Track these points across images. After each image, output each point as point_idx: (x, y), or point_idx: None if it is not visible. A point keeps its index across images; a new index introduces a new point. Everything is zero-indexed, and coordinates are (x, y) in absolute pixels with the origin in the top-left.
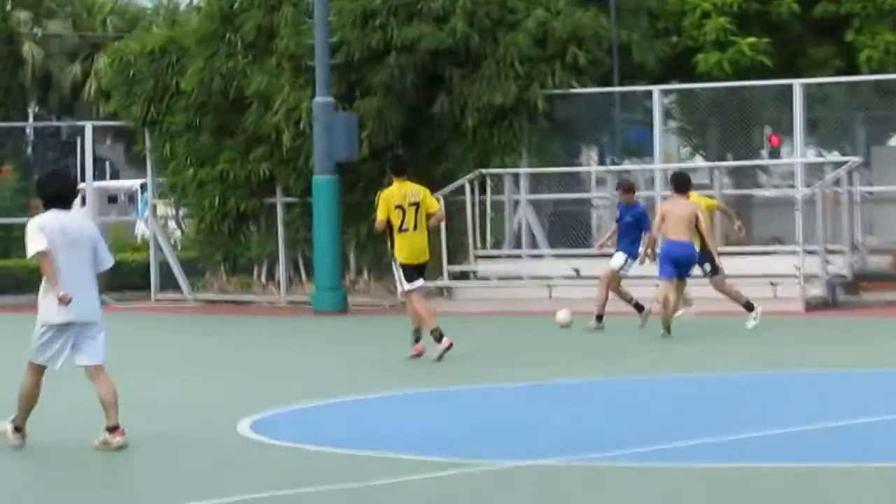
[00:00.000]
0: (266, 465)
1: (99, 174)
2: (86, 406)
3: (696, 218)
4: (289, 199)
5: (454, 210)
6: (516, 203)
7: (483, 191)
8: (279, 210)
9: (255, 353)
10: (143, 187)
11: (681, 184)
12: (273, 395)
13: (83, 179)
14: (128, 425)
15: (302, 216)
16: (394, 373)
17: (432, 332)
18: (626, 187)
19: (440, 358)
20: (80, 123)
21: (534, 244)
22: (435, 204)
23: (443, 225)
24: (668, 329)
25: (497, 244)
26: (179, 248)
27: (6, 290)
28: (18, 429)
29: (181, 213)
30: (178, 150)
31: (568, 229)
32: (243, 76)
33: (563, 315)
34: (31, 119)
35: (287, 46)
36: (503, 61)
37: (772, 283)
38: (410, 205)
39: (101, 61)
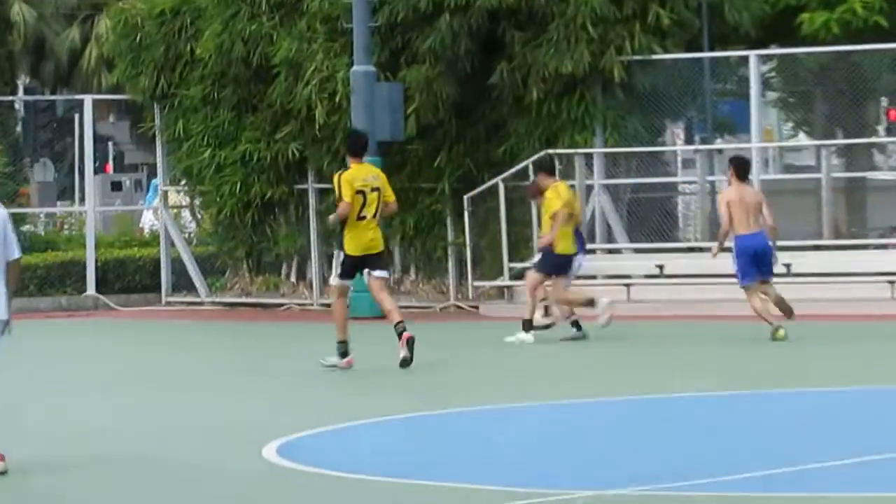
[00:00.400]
0: (295, 495)
1: (100, 156)
2: (100, 427)
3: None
4: (322, 185)
5: (516, 197)
6: (589, 189)
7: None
8: (311, 197)
9: (283, 364)
10: (153, 171)
11: (743, 168)
12: (303, 414)
13: (82, 161)
14: (135, 449)
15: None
16: (437, 388)
17: (339, 343)
18: (534, 191)
19: (328, 365)
20: (79, 97)
21: (610, 237)
22: (392, 193)
23: (502, 216)
24: (776, 333)
25: None
26: (194, 242)
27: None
28: None
29: (196, 201)
30: (194, 128)
31: (649, 219)
32: (269, 41)
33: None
34: (20, 92)
35: (320, 6)
36: (573, 23)
37: (889, 282)
38: (372, 190)
39: (103, 24)
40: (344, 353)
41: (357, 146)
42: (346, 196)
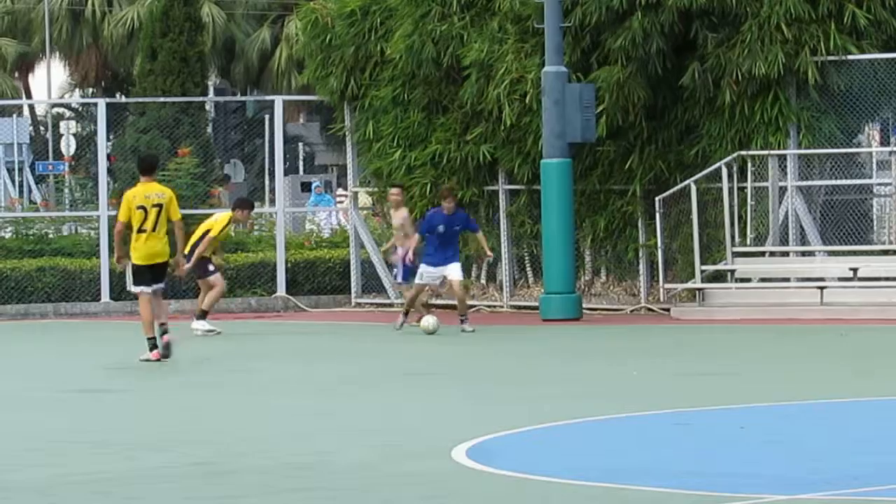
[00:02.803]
0: (486, 498)
1: (290, 157)
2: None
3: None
4: (513, 187)
5: (709, 199)
6: (783, 190)
7: (743, 176)
8: (501, 199)
9: (472, 366)
10: (343, 172)
11: None
12: (492, 417)
13: (272, 162)
14: (321, 450)
15: (528, 207)
16: (631, 391)
17: (149, 339)
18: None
19: (143, 359)
20: (269, 98)
21: (803, 239)
22: (178, 213)
23: (695, 218)
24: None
25: (759, 239)
26: (384, 243)
27: (176, 295)
28: None
29: (386, 205)
30: (384, 130)
31: (844, 221)
32: (459, 42)
33: (429, 321)
34: (211, 93)
35: (511, 6)
36: (767, 23)
37: None
38: (153, 206)
39: (293, 25)
40: (153, 347)
41: (144, 166)
42: (121, 215)
